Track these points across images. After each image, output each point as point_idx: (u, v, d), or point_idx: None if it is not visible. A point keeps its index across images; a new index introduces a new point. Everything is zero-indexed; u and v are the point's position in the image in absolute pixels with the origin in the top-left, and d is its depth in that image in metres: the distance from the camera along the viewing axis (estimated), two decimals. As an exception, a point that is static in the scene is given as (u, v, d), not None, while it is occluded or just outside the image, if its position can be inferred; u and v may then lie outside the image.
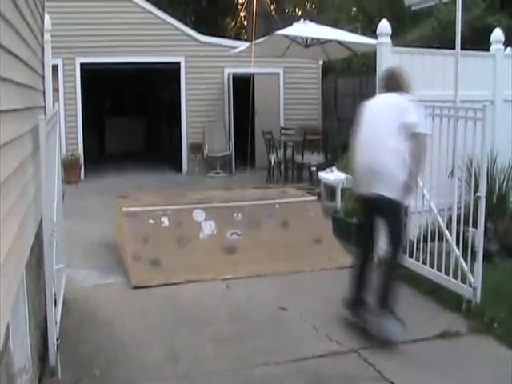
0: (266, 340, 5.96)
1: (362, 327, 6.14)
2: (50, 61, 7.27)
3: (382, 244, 8.02)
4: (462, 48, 7.61)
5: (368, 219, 6.45)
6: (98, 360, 5.47)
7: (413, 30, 15.62)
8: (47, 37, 7.27)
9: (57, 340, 5.24)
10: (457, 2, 7.42)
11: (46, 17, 7.35)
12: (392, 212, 6.03)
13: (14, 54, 4.12)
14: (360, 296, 6.31)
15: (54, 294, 5.28)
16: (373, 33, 10.24)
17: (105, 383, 5.12)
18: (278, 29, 14.05)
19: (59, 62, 15.63)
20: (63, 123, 15.78)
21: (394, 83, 6.34)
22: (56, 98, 13.41)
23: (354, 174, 6.50)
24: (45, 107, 7.02)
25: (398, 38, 12.08)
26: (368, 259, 6.48)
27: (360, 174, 6.29)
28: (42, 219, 5.32)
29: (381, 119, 6.14)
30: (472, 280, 6.44)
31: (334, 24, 15.22)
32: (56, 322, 5.41)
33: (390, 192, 5.87)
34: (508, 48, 9.82)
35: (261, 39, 14.05)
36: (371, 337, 5.96)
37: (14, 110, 4.07)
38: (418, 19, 16.80)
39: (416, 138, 5.91)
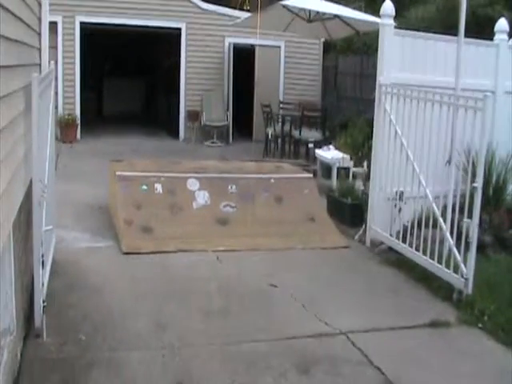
0: (255, 316, 5.93)
1: None
2: (47, 17, 7.09)
3: (375, 227, 8.03)
4: (466, 36, 7.52)
5: None
6: (84, 325, 5.43)
7: (417, 10, 15.45)
8: (45, -7, 7.11)
9: (43, 302, 5.19)
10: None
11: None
12: None
13: (4, 7, 3.98)
14: None
15: (42, 256, 5.21)
16: (375, 13, 10.14)
17: (89, 349, 5.07)
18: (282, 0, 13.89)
19: (59, 19, 15.45)
20: (61, 82, 15.69)
21: None
22: (54, 57, 13.30)
23: None
24: (40, 65, 6.88)
25: (401, 18, 11.97)
26: None
27: None
28: (32, 179, 5.24)
29: None
30: (464, 270, 6.40)
31: (338, 1, 15.06)
32: (43, 285, 5.35)
33: None
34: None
35: (264, 11, 13.89)
36: None
37: (3, 67, 3.95)
38: (423, 1, 16.66)
39: None
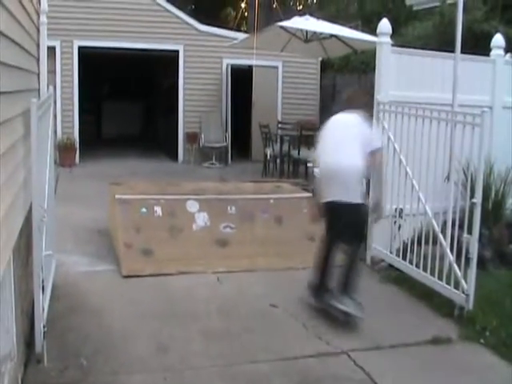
0: (256, 337, 5.91)
1: (326, 311, 6.49)
2: (45, 43, 7.14)
3: (375, 245, 8.02)
4: (462, 51, 7.56)
5: (335, 221, 6.60)
6: (85, 349, 5.41)
7: (414, 28, 15.55)
8: (43, 18, 7.14)
9: (44, 327, 5.18)
10: (458, 4, 7.36)
11: (43, -2, 7.23)
12: (355, 214, 6.47)
13: (4, 35, 4.02)
14: (324, 282, 6.69)
15: (42, 281, 5.21)
16: (372, 31, 10.19)
17: (91, 373, 5.05)
18: (279, 22, 13.95)
19: (57, 44, 15.55)
20: (59, 106, 15.74)
21: (357, 102, 6.88)
22: (53, 81, 13.36)
23: (317, 183, 6.80)
24: (39, 90, 6.92)
25: (397, 35, 12.03)
26: (333, 251, 6.74)
27: (325, 183, 6.57)
28: (31, 204, 5.24)
29: (345, 135, 6.58)
30: (465, 286, 6.40)
31: (334, 20, 15.16)
32: (43, 309, 5.34)
33: (353, 198, 6.35)
34: (508, 54, 9.79)
35: (261, 32, 13.96)
36: (335, 319, 6.34)
37: (3, 93, 3.97)
38: (419, 18, 16.77)
39: (376, 152, 6.52)
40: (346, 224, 6.43)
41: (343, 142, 6.52)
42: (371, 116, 6.91)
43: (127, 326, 6.02)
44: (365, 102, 7.09)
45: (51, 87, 7.30)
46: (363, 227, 6.91)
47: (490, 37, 9.62)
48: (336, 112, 6.97)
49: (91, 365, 5.16)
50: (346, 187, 6.34)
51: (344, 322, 6.28)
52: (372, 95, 8.12)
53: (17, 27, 4.89)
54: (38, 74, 6.94)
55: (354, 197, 6.38)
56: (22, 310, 5.12)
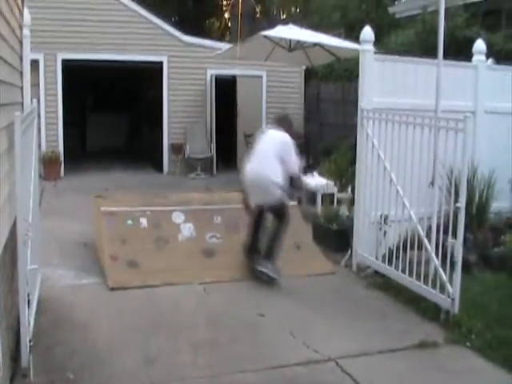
0: (243, 346, 5.91)
1: (253, 268, 7.87)
2: (28, 56, 7.13)
3: (361, 251, 8.05)
4: (445, 57, 7.60)
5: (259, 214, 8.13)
6: (71, 363, 5.39)
7: (397, 35, 15.64)
8: (26, 31, 7.13)
9: (29, 341, 5.16)
10: (439, 11, 7.40)
11: (26, 11, 7.22)
12: (276, 207, 7.82)
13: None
14: (254, 246, 8.07)
15: (28, 295, 5.19)
16: (355, 39, 10.24)
17: (78, 387, 5.04)
18: (262, 31, 13.98)
19: (40, 57, 15.48)
20: (43, 119, 15.66)
21: (285, 124, 8.25)
22: (36, 94, 13.33)
23: (244, 186, 8.03)
24: (22, 103, 6.91)
25: (380, 43, 12.09)
26: (261, 222, 8.12)
27: (249, 188, 7.94)
28: (16, 218, 5.23)
29: (269, 148, 7.82)
30: (450, 290, 6.43)
31: (318, 29, 15.21)
32: (29, 323, 5.32)
33: (272, 200, 7.73)
34: (490, 59, 9.85)
35: (245, 41, 13.98)
36: (258, 276, 7.75)
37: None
38: (402, 26, 16.86)
39: (296, 178, 8.05)
40: (269, 211, 7.95)
41: (267, 155, 7.77)
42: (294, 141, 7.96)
43: (114, 339, 5.99)
44: (289, 125, 8.37)
45: (35, 100, 7.28)
46: (283, 210, 7.89)
47: (471, 43, 9.67)
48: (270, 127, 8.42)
49: (78, 379, 5.14)
50: (264, 194, 7.73)
51: (266, 282, 7.66)
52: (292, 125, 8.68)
53: (1, 41, 4.89)
54: (22, 88, 6.93)
55: (273, 199, 7.71)
56: (8, 325, 5.09)
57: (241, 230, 8.56)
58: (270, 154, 7.72)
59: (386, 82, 8.31)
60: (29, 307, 5.29)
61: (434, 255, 6.76)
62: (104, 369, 5.36)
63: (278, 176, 7.62)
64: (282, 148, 7.75)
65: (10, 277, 5.33)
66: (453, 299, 6.41)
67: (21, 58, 6.92)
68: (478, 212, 8.46)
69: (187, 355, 5.69)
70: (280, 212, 7.85)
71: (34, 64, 11.84)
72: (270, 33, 13.38)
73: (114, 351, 5.72)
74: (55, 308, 6.67)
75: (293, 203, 9.52)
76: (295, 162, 7.81)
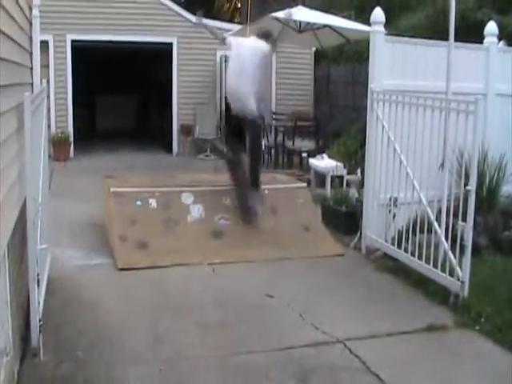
0: (252, 327, 5.92)
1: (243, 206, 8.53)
2: (38, 37, 7.11)
3: (370, 234, 8.04)
4: (456, 40, 7.55)
5: (237, 130, 8.81)
6: (80, 342, 5.42)
7: (407, 18, 15.54)
8: (35, 12, 7.11)
9: (39, 321, 5.17)
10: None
11: (35, -9, 7.19)
12: (252, 127, 8.56)
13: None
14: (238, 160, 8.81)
15: (38, 275, 5.20)
16: (365, 21, 10.17)
17: (87, 366, 5.06)
18: (272, 12, 13.91)
19: (49, 38, 15.48)
20: (53, 100, 15.69)
21: (266, 33, 8.76)
22: (46, 75, 13.32)
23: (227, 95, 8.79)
24: (32, 84, 6.90)
25: (390, 26, 12.01)
26: (239, 154, 8.86)
27: (230, 96, 8.62)
28: (26, 198, 5.23)
29: (251, 60, 8.43)
30: (460, 274, 6.41)
31: (327, 10, 15.11)
32: (39, 303, 5.33)
33: (249, 113, 8.36)
34: (501, 41, 9.77)
35: (254, 23, 13.90)
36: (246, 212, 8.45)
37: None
38: (412, 9, 16.73)
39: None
40: (248, 135, 8.73)
41: (248, 67, 8.38)
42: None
43: (123, 319, 6.02)
44: (272, 43, 8.74)
45: (44, 81, 7.27)
46: (259, 139, 9.04)
47: (482, 25, 9.58)
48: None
49: (87, 358, 5.17)
50: (242, 103, 8.36)
51: (251, 216, 8.36)
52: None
53: (10, 21, 4.88)
54: (31, 68, 6.92)
55: (249, 110, 8.32)
56: (18, 305, 5.12)
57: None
58: (251, 67, 8.40)
59: (397, 64, 8.25)
60: (38, 287, 5.31)
61: (443, 238, 6.74)
62: (113, 348, 5.38)
63: (254, 89, 8.38)
64: (262, 62, 8.57)
65: (19, 257, 5.35)
66: (462, 282, 6.39)
67: (30, 39, 6.90)
68: (488, 195, 8.42)
69: (195, 336, 5.70)
70: (254, 133, 8.70)
71: (44, 45, 11.79)
72: (280, 14, 13.31)
73: (123, 331, 5.74)
74: (65, 288, 6.70)
75: (302, 185, 9.56)
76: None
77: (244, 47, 8.63)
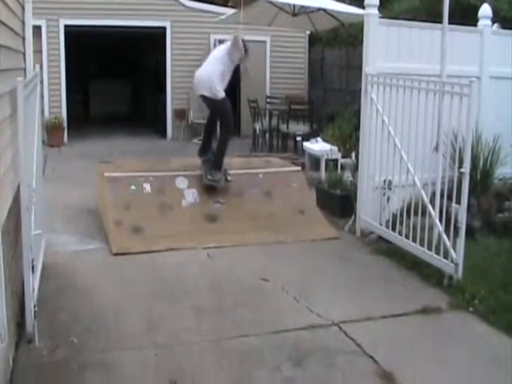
0: (247, 311, 5.93)
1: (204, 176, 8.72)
2: (30, 21, 7.07)
3: (364, 217, 8.05)
4: (450, 23, 7.54)
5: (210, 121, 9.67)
6: (75, 328, 5.42)
7: (401, 1, 15.49)
8: (28, -4, 7.08)
9: (34, 307, 5.17)
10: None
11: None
12: (215, 104, 9.02)
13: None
14: (205, 148, 9.30)
15: (32, 261, 5.20)
16: (360, 4, 10.14)
17: (82, 351, 5.06)
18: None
19: (43, 23, 15.42)
20: (46, 86, 15.65)
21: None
22: (39, 60, 13.26)
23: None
24: (25, 69, 6.87)
25: (385, 9, 11.98)
26: (211, 134, 9.58)
27: (194, 84, 9.20)
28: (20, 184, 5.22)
29: (214, 54, 9.36)
30: (454, 256, 6.43)
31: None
32: (34, 289, 5.34)
33: (209, 92, 8.85)
34: (495, 24, 9.75)
35: (248, 6, 13.84)
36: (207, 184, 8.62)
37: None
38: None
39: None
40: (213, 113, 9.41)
41: (211, 60, 9.17)
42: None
43: (118, 304, 6.03)
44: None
45: (37, 66, 7.23)
46: (223, 107, 9.11)
47: (476, 9, 9.58)
48: None
49: (82, 343, 5.17)
50: (203, 86, 8.90)
51: (211, 186, 8.61)
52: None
53: (1, 5, 4.85)
54: (24, 53, 6.89)
55: (209, 91, 8.82)
56: (12, 291, 5.11)
57: (245, 194, 8.57)
58: (213, 59, 9.13)
59: (391, 47, 8.25)
60: (33, 273, 5.30)
61: (437, 221, 6.75)
62: (108, 333, 5.39)
63: (215, 73, 8.84)
64: (225, 50, 9.10)
65: (14, 243, 5.34)
66: (456, 264, 6.41)
67: (23, 24, 6.86)
68: (482, 178, 8.45)
69: (191, 320, 5.72)
70: (221, 112, 9.11)
71: (37, 30, 11.76)
72: (274, -2, 13.27)
73: (118, 316, 5.75)
74: (59, 273, 6.70)
75: (297, 168, 9.56)
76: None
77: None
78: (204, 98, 8.97)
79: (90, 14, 16.00)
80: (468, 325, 5.79)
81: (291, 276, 6.86)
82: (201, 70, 9.14)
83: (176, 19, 16.98)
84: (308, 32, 17.73)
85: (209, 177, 8.63)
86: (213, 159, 8.90)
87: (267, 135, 15.22)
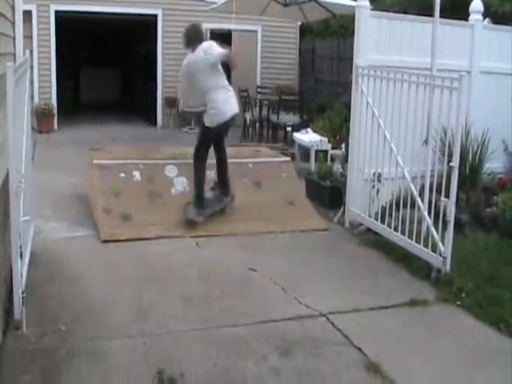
0: (235, 301, 5.94)
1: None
2: (21, 6, 7.03)
3: (353, 208, 8.07)
4: (441, 16, 7.55)
5: None
6: (63, 315, 5.41)
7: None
8: (17, -20, 7.03)
9: (22, 293, 5.16)
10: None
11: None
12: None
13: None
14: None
15: (20, 247, 5.18)
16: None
17: (70, 339, 5.05)
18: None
19: (33, 8, 15.31)
20: (36, 71, 15.55)
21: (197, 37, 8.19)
22: (29, 46, 13.20)
23: None
24: (15, 54, 6.83)
25: (376, 1, 11.96)
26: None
27: None
28: (8, 170, 5.20)
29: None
30: (442, 249, 6.45)
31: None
32: (22, 276, 5.32)
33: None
34: (486, 19, 9.77)
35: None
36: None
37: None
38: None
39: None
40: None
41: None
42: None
43: (106, 292, 6.02)
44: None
45: (27, 51, 7.20)
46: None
47: (468, 4, 9.58)
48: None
49: (70, 331, 5.16)
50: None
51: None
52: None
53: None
54: (14, 38, 6.84)
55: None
56: (0, 277, 5.10)
57: (234, 184, 8.55)
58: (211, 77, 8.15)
59: (382, 40, 8.26)
60: (21, 259, 5.28)
61: (426, 214, 6.78)
62: (96, 321, 5.39)
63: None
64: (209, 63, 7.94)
65: (2, 229, 5.33)
66: (444, 258, 6.44)
67: (13, 8, 6.81)
68: (470, 172, 8.48)
69: (179, 309, 5.72)
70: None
71: (27, 15, 11.70)
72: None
73: (107, 304, 5.74)
74: (48, 260, 6.69)
75: (286, 159, 9.56)
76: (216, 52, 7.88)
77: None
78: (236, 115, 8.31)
79: (82, 0, 15.91)
80: (455, 318, 5.82)
81: (280, 266, 6.88)
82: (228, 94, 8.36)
83: (168, 7, 16.93)
84: (299, 23, 17.71)
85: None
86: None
87: (257, 125, 15.22)
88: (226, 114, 8.07)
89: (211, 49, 7.90)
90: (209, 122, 8.12)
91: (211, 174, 8.40)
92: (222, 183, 8.33)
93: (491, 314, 5.72)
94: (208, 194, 8.31)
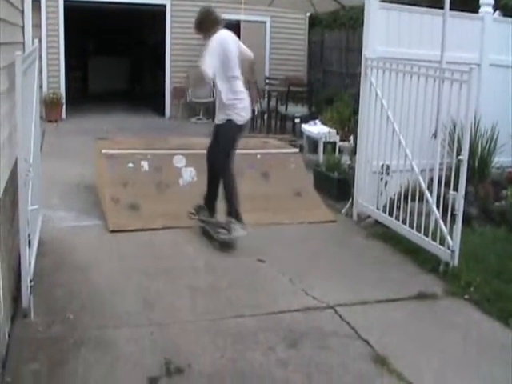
0: (242, 292, 5.94)
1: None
2: (29, -5, 7.04)
3: (361, 201, 8.06)
4: (451, 9, 7.52)
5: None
6: (71, 304, 5.42)
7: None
8: (27, -31, 7.01)
9: (30, 282, 5.18)
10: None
11: None
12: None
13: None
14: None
15: (29, 236, 5.20)
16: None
17: (77, 327, 5.07)
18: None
19: (42, -4, 15.33)
20: (45, 61, 15.56)
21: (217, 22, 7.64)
22: (38, 35, 13.19)
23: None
24: (24, 43, 6.82)
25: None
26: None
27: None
28: (17, 159, 5.21)
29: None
30: (450, 243, 6.44)
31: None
32: (30, 264, 5.34)
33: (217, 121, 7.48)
34: (496, 11, 9.73)
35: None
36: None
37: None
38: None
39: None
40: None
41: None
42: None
43: (114, 282, 6.03)
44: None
45: (36, 41, 7.18)
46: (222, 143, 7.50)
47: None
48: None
49: (78, 319, 5.18)
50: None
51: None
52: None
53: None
54: (23, 27, 6.84)
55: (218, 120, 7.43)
56: (9, 266, 5.12)
57: (242, 175, 8.53)
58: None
59: (391, 32, 8.23)
60: (29, 248, 5.31)
61: (434, 207, 6.77)
62: (104, 310, 5.40)
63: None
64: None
65: (10, 218, 5.34)
66: (452, 251, 6.43)
67: (22, -3, 6.81)
68: (479, 166, 8.46)
69: (186, 299, 5.73)
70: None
71: (36, 4, 11.67)
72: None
73: (114, 293, 5.76)
74: (56, 249, 6.70)
75: (295, 150, 9.54)
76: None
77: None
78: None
79: (90, -10, 15.93)
80: (463, 312, 5.80)
81: (287, 258, 6.87)
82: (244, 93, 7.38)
83: (176, -4, 16.90)
84: (308, 14, 17.66)
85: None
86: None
87: (265, 116, 15.19)
88: (250, 112, 7.44)
89: (241, 43, 7.84)
90: (238, 116, 7.20)
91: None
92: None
93: (499, 309, 5.70)
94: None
